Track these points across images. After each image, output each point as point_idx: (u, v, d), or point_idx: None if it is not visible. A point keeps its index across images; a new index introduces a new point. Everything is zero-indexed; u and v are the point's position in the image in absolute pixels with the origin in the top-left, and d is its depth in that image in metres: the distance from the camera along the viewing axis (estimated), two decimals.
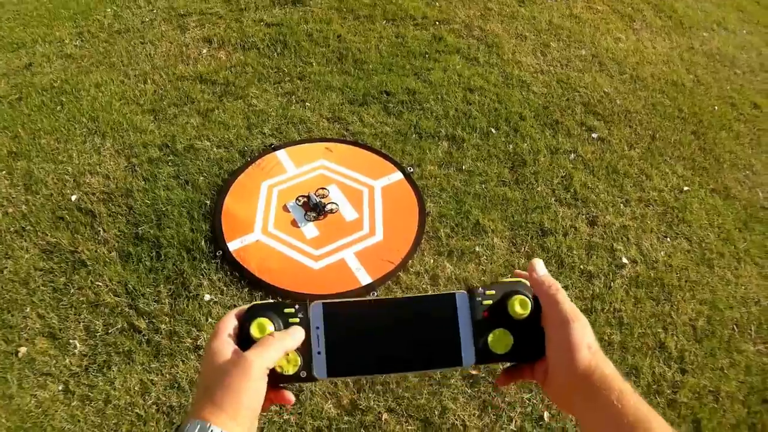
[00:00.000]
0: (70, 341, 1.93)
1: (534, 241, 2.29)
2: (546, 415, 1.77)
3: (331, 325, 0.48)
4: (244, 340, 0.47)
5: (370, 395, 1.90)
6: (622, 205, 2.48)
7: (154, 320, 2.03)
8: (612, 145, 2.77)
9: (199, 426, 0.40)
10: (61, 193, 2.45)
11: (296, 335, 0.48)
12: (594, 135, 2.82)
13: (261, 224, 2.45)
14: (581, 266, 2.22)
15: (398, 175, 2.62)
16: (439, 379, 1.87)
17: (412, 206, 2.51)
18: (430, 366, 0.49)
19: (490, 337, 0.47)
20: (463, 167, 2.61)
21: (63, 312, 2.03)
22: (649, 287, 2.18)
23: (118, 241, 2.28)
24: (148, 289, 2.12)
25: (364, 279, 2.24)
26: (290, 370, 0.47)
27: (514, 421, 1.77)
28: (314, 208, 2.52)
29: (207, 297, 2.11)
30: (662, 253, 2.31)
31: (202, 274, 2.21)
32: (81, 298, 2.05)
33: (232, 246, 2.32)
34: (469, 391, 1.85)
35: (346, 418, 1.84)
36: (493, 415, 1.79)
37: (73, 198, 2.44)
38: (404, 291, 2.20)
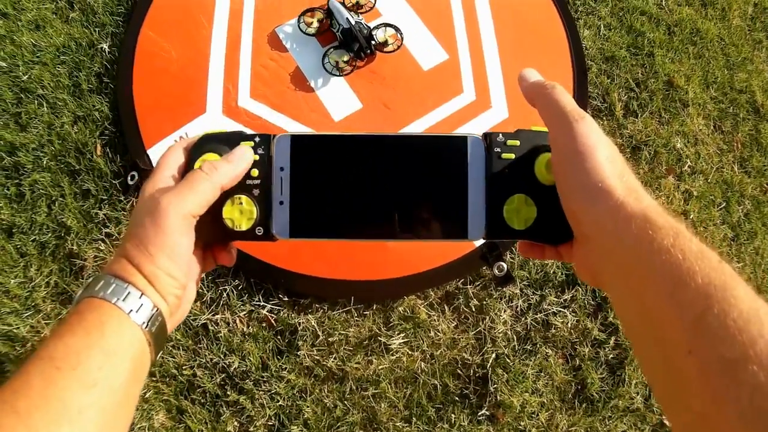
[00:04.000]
0: None
1: (746, 125, 1.28)
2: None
3: (301, 167, 0.37)
4: None
5: None
6: None
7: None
8: None
9: (113, 285, 0.31)
10: None
11: (237, 161, 0.35)
12: None
13: (221, 89, 1.05)
14: None
15: None
16: None
17: (555, 33, 1.17)
18: (425, 235, 0.36)
19: (506, 206, 0.35)
20: None
21: None
22: None
23: None
24: (12, 281, 1.00)
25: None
26: (243, 225, 0.36)
27: None
28: (345, 40, 1.04)
29: None
30: None
31: (103, 237, 1.01)
32: None
33: (160, 154, 1.01)
34: None
35: None
36: None
37: None
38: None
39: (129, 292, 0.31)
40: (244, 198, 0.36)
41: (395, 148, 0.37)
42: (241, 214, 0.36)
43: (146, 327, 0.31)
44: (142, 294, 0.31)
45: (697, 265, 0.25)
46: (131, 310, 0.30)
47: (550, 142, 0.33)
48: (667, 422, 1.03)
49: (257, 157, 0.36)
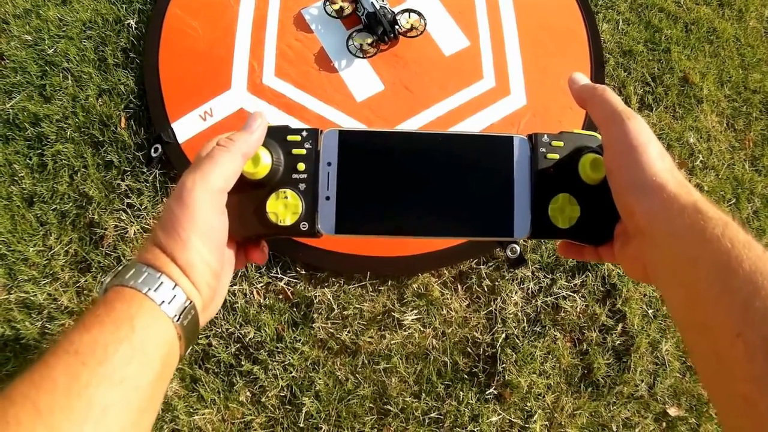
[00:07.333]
0: None
1: (759, 124, 1.30)
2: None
3: (348, 163, 0.36)
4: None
5: None
6: None
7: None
8: None
9: (145, 274, 0.29)
10: None
11: (252, 127, 0.33)
12: None
13: (246, 67, 1.08)
14: None
15: None
16: None
17: (575, 26, 1.19)
18: (471, 232, 0.36)
19: (551, 205, 0.36)
20: None
21: None
22: None
23: None
24: (31, 249, 1.02)
25: None
26: (288, 219, 0.35)
27: None
28: (370, 23, 1.06)
29: None
30: None
31: (125, 207, 1.03)
32: None
33: (184, 128, 1.04)
34: None
35: None
36: None
37: None
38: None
39: (162, 282, 0.29)
40: (289, 192, 0.35)
41: (442, 145, 0.36)
42: (285, 209, 0.35)
43: (177, 320, 0.29)
44: (175, 285, 0.29)
45: (744, 254, 0.26)
46: (163, 302, 0.29)
47: (603, 140, 0.33)
48: (670, 412, 1.04)
49: (304, 152, 0.35)
